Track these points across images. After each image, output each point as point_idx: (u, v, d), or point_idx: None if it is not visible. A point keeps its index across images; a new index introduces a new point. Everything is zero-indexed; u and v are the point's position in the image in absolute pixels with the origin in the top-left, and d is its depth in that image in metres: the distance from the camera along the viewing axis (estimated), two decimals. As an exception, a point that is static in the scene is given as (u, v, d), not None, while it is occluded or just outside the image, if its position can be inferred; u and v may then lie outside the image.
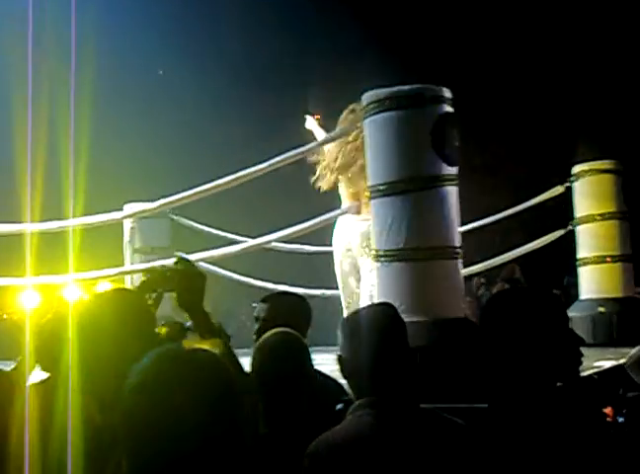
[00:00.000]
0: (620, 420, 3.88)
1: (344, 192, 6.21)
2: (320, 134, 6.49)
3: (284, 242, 7.41)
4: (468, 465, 2.25)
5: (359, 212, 6.03)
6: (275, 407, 2.57)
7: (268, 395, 2.58)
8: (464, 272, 8.03)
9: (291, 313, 3.34)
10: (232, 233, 8.09)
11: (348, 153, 5.95)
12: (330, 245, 6.51)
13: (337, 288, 6.72)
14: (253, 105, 16.28)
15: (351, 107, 5.95)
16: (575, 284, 8.53)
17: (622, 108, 14.66)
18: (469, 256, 8.10)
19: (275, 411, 2.56)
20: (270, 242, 6.52)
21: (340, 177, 6.14)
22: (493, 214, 8.67)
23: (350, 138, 5.87)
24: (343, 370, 2.39)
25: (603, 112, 14.46)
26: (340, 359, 2.37)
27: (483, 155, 16.31)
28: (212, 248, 6.58)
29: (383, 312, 2.42)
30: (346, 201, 6.18)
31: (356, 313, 2.42)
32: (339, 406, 2.73)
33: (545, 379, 2.35)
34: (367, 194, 5.05)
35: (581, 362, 2.42)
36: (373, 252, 4.78)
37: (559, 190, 8.28)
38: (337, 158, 6.05)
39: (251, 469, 1.64)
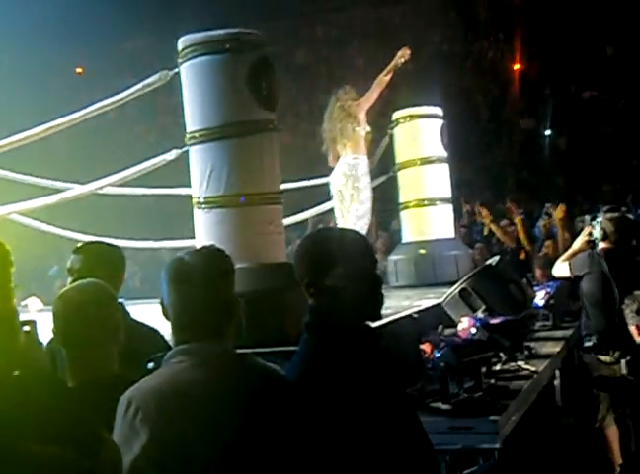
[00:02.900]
0: (437, 354, 4.02)
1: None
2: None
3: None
4: (282, 407, 2.26)
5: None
6: (77, 359, 2.49)
7: (69, 348, 2.51)
8: (301, 217, 8.20)
9: (104, 263, 3.25)
10: (53, 180, 7.81)
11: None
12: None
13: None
14: (75, 52, 15.75)
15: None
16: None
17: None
18: (299, 203, 8.20)
19: (78, 363, 2.49)
20: (85, 194, 6.34)
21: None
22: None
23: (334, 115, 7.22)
24: (166, 316, 2.33)
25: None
26: (163, 305, 2.31)
27: (310, 101, 16.43)
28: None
29: (211, 256, 2.35)
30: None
31: (181, 257, 2.33)
32: (150, 365, 2.67)
33: (353, 316, 2.39)
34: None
35: (382, 303, 2.46)
36: (194, 200, 4.70)
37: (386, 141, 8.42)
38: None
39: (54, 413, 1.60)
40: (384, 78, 7.37)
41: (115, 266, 3.34)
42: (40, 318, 2.45)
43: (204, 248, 2.43)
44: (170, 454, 2.09)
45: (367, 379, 2.36)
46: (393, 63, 7.42)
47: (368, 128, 7.32)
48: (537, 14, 16.18)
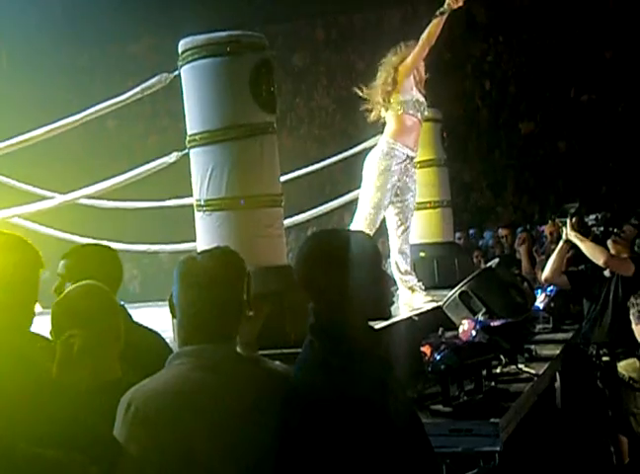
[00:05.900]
0: (438, 357, 4.02)
1: None
2: None
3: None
4: (286, 409, 2.26)
5: None
6: (78, 363, 2.47)
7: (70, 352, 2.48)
8: (300, 218, 8.17)
9: (99, 265, 3.19)
10: (48, 190, 7.81)
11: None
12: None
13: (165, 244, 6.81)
14: (70, 56, 15.73)
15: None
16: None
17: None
18: (300, 203, 8.19)
19: (79, 367, 2.47)
20: (84, 197, 6.33)
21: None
22: (320, 162, 8.73)
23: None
24: (173, 314, 2.33)
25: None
26: (171, 304, 2.31)
27: (309, 104, 16.47)
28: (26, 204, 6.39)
29: (222, 258, 2.34)
30: None
31: (193, 257, 2.33)
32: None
33: (358, 318, 2.39)
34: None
35: (393, 302, 2.47)
36: (195, 202, 4.70)
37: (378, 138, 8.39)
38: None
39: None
40: (432, 29, 6.37)
41: (110, 269, 3.26)
42: (38, 321, 2.45)
43: (217, 249, 2.41)
44: (170, 456, 2.08)
45: (371, 382, 2.36)
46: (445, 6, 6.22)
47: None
48: (537, 18, 16.21)
